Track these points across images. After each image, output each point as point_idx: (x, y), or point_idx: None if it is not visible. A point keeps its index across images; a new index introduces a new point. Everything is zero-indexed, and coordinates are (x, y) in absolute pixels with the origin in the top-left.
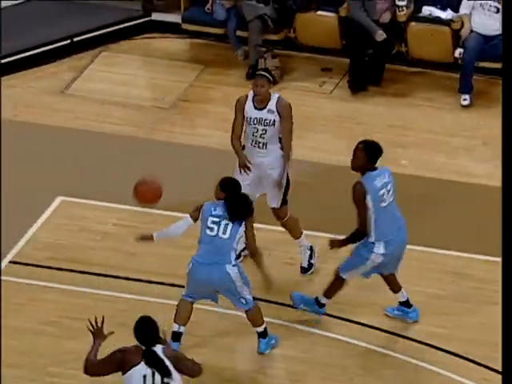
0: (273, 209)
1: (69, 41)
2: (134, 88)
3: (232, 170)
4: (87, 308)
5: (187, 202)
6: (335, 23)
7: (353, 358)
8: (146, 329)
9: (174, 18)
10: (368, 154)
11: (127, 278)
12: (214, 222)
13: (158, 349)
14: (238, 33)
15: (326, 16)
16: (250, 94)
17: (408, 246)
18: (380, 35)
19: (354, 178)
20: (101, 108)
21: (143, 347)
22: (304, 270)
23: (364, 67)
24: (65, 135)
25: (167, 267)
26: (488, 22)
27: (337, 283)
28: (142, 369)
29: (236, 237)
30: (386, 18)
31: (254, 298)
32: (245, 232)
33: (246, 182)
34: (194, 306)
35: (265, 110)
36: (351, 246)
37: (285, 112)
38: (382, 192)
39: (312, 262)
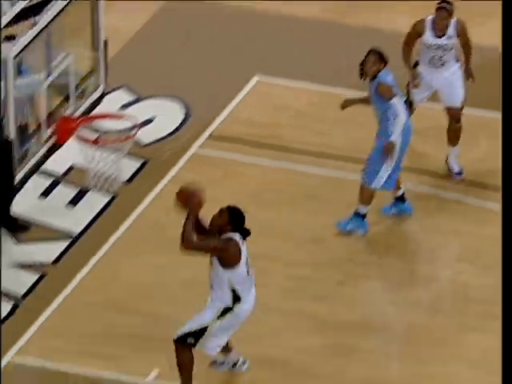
0: (449, 109)
1: None
2: None
3: None
4: (281, 181)
5: None
6: None
7: None
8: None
9: None
10: None
11: (319, 155)
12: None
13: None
14: None
15: None
16: (428, 21)
17: None
18: None
19: None
20: None
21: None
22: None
23: None
24: (266, 19)
25: (354, 147)
26: None
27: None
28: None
29: None
30: None
31: None
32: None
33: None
34: None
35: (444, 38)
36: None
37: (462, 32)
38: None
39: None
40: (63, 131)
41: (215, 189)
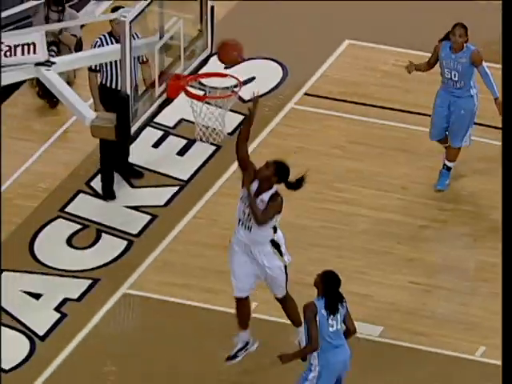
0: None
1: None
2: None
3: None
4: (369, 135)
5: None
6: None
7: None
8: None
9: None
10: None
11: (403, 111)
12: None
13: None
14: None
15: None
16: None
17: None
18: None
19: None
20: None
21: None
22: None
23: None
24: None
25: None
26: None
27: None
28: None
29: None
30: None
31: None
32: None
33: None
34: None
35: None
36: None
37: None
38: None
39: None
40: (173, 88)
41: (308, 140)
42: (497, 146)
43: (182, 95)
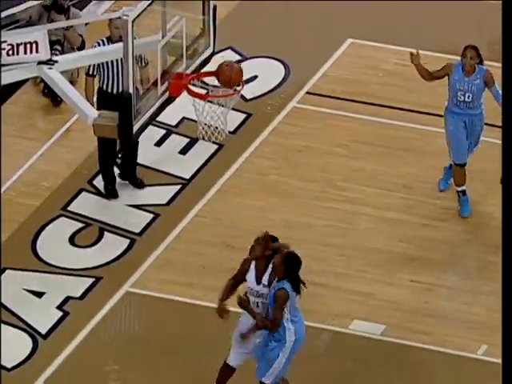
0: None
1: None
2: None
3: None
4: (372, 134)
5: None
6: None
7: None
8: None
9: None
10: None
11: (405, 109)
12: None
13: None
14: None
15: None
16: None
17: None
18: None
19: None
20: None
21: None
22: None
23: None
24: None
25: (443, 101)
26: None
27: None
28: None
29: None
30: None
31: None
32: None
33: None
34: None
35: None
36: None
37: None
38: None
39: None
40: (176, 87)
41: (311, 139)
42: (497, 145)
43: (185, 94)
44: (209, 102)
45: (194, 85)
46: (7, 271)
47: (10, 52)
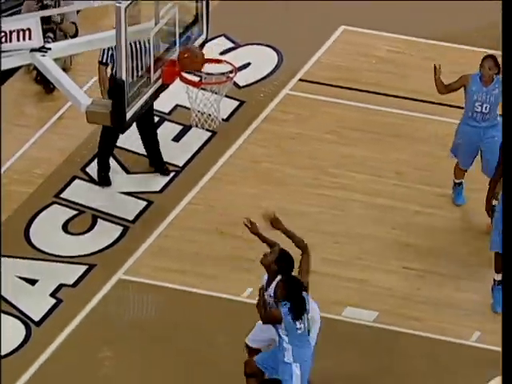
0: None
1: None
2: None
3: None
4: (363, 120)
5: None
6: None
7: None
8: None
9: None
10: None
11: (398, 96)
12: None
13: None
14: None
15: None
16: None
17: None
18: None
19: None
20: None
21: None
22: None
23: None
24: None
25: (435, 88)
26: None
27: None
28: None
29: None
30: None
31: None
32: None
33: None
34: None
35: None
36: None
37: None
38: None
39: None
40: (169, 74)
41: (304, 126)
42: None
43: (178, 81)
44: (202, 89)
45: (187, 72)
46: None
47: (4, 39)
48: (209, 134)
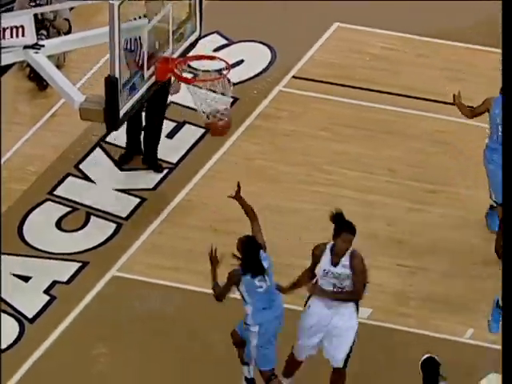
0: None
1: None
2: None
3: None
4: (356, 117)
5: None
6: None
7: None
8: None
9: None
10: None
11: (391, 93)
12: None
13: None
14: None
15: None
16: None
17: None
18: None
19: None
20: None
21: None
22: None
23: None
24: None
25: (428, 84)
26: None
27: None
28: None
29: None
30: None
31: None
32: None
33: None
34: None
35: None
36: None
37: None
38: None
39: None
40: (162, 71)
41: (297, 123)
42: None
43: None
44: (195, 85)
45: (180, 68)
46: None
47: None
48: (202, 130)
